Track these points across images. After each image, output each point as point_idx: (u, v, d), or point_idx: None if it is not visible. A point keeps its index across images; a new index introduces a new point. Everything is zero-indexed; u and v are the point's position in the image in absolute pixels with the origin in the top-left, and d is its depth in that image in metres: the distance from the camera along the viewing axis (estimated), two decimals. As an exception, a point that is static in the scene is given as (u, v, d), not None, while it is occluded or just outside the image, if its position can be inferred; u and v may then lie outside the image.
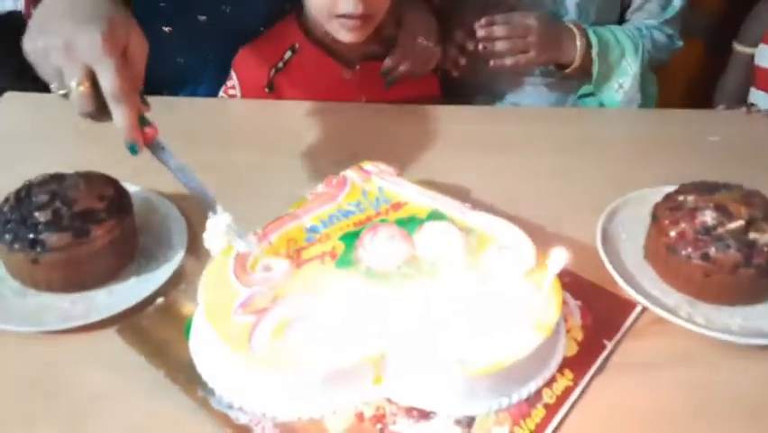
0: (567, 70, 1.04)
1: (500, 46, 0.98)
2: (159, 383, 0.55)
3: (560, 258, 0.52)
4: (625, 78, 1.05)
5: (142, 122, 0.58)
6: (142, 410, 0.54)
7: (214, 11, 0.96)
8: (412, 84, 0.96)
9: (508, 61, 0.99)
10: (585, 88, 1.10)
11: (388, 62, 0.93)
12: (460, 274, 0.57)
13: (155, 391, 0.55)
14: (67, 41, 0.55)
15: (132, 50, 0.58)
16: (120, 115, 0.55)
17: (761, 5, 1.22)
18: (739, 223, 0.60)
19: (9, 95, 0.95)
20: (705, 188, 0.65)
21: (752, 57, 1.21)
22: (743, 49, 1.23)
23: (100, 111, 0.56)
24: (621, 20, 1.13)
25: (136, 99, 0.57)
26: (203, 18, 0.96)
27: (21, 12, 1.09)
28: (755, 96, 1.20)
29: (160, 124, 0.60)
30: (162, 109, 0.61)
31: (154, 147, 0.60)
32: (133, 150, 0.57)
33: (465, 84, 1.07)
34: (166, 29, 0.97)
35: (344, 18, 0.83)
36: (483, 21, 0.97)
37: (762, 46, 1.18)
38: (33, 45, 0.57)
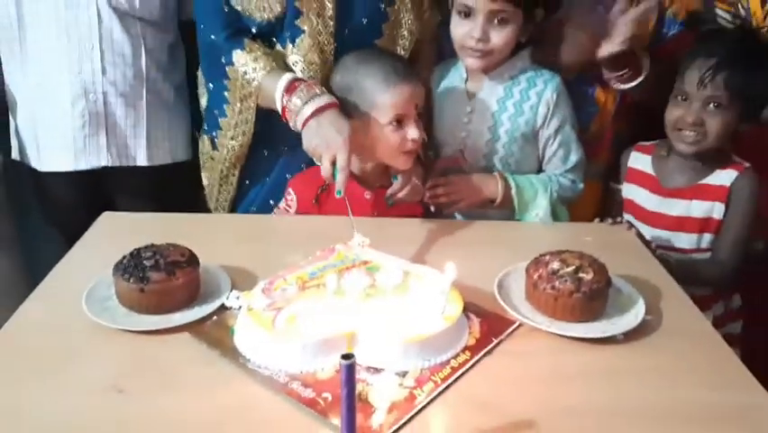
0: (495, 204, 1.48)
1: (442, 200, 1.44)
2: (214, 360, 0.90)
3: (451, 270, 0.90)
4: (539, 210, 1.49)
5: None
6: (205, 374, 0.88)
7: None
8: (405, 206, 1.41)
9: (451, 209, 1.45)
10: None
11: (390, 191, 1.38)
12: (400, 294, 0.95)
13: (212, 364, 0.89)
14: (328, 143, 1.18)
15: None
16: (341, 177, 1.15)
17: (623, 155, 1.67)
18: (573, 267, 0.99)
19: (107, 214, 1.35)
20: (557, 253, 1.04)
21: (620, 191, 1.64)
22: (615, 186, 1.68)
23: (331, 174, 1.17)
24: (539, 170, 1.60)
25: (348, 170, 1.17)
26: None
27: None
28: (627, 218, 1.60)
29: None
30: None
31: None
32: (339, 193, 1.15)
33: (439, 211, 1.51)
34: (265, 152, 1.47)
35: (407, 154, 1.33)
36: (429, 183, 1.43)
37: (624, 183, 1.63)
38: (310, 142, 1.22)
